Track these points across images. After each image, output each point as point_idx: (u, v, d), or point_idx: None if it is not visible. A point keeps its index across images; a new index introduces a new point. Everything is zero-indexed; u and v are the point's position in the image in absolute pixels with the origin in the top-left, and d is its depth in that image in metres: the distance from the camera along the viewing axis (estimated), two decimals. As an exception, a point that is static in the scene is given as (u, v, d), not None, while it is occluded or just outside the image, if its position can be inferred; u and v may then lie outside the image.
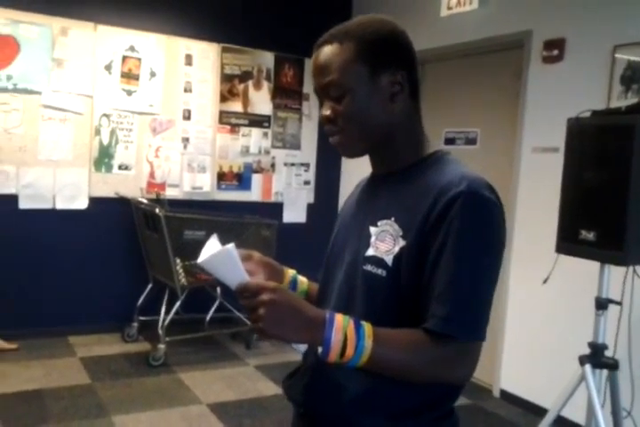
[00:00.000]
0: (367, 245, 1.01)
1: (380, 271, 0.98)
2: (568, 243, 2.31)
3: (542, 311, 3.38)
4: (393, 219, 0.99)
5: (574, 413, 2.80)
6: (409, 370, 0.92)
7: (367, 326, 0.90)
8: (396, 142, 1.05)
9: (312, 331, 0.88)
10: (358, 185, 1.22)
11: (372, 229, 1.01)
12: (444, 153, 1.07)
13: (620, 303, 2.30)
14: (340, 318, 0.89)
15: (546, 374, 3.25)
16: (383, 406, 0.98)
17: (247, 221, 4.18)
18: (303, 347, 0.92)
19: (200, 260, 0.92)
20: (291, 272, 1.20)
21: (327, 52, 1.01)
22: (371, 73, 1.00)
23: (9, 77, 3.81)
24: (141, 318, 4.12)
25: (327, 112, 1.03)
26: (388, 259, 0.97)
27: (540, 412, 2.46)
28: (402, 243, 0.96)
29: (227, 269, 0.91)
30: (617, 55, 3.02)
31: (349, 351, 0.87)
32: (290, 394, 1.12)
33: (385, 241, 0.98)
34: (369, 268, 0.99)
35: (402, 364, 0.91)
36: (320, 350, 0.88)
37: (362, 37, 1.00)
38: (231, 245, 0.91)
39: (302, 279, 1.21)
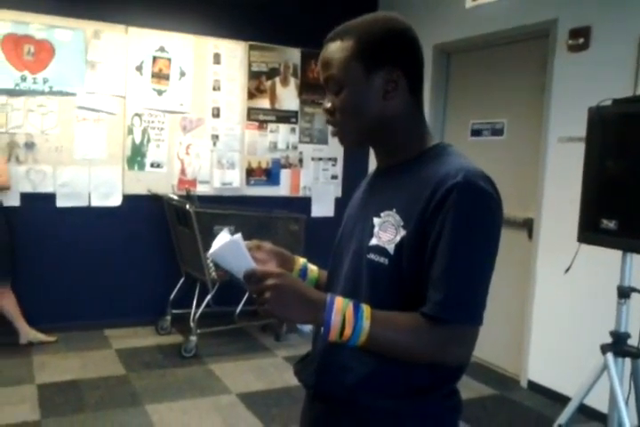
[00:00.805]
0: (371, 236, 1.05)
1: (382, 260, 1.02)
2: (590, 232, 2.30)
3: (568, 301, 3.35)
4: (394, 210, 1.03)
5: (598, 402, 2.77)
6: (405, 351, 0.96)
7: (366, 309, 0.95)
8: (396, 137, 1.09)
9: (314, 312, 0.93)
10: (365, 178, 1.27)
11: (376, 220, 1.05)
12: (445, 145, 1.10)
13: (642, 292, 2.28)
14: (339, 301, 0.94)
15: (572, 364, 3.22)
16: (388, 386, 1.03)
17: (276, 216, 4.24)
18: (307, 327, 0.97)
19: (209, 253, 0.98)
20: (301, 261, 1.25)
21: (331, 48, 1.07)
22: (366, 70, 1.04)
23: (45, 80, 3.96)
24: (174, 311, 4.24)
25: (327, 105, 1.09)
26: (390, 248, 1.01)
27: (567, 402, 2.44)
28: (402, 232, 1.00)
29: (234, 259, 0.96)
30: (644, 42, 2.97)
31: (347, 331, 0.92)
32: (301, 377, 1.17)
33: (387, 231, 1.03)
34: (372, 256, 1.04)
35: (398, 344, 0.95)
36: (322, 330, 0.94)
37: (361, 36, 1.04)
38: (237, 236, 0.96)
39: (312, 267, 1.26)
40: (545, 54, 3.51)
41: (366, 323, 0.93)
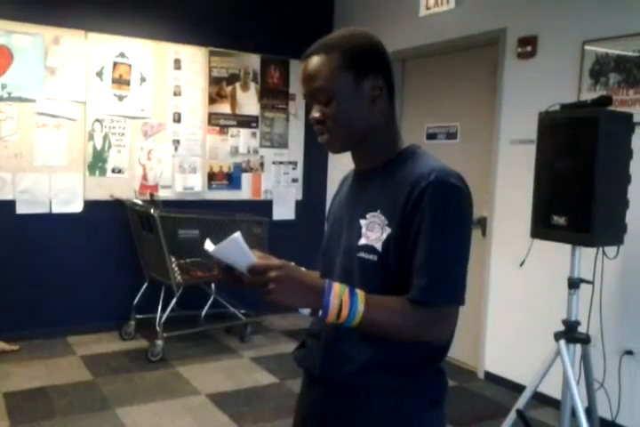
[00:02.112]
0: (359, 236, 1.16)
1: (371, 257, 1.13)
2: (541, 228, 2.47)
3: (521, 294, 3.54)
4: (379, 211, 1.14)
5: (551, 389, 2.95)
6: (395, 330, 1.07)
7: (361, 294, 1.05)
8: (375, 140, 1.20)
9: (314, 297, 1.03)
10: (343, 181, 1.37)
11: (362, 222, 1.16)
12: (415, 147, 1.22)
13: (591, 282, 2.46)
14: (337, 287, 1.05)
15: (527, 354, 3.40)
16: (386, 369, 1.14)
17: (239, 219, 4.31)
18: (306, 311, 1.07)
19: (211, 250, 1.06)
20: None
21: (315, 61, 1.15)
22: (355, 79, 1.14)
23: (3, 86, 3.92)
24: (138, 316, 4.24)
25: (317, 114, 1.17)
26: (378, 246, 1.12)
27: (522, 390, 2.60)
28: (388, 230, 1.11)
29: (236, 255, 1.04)
30: (586, 50, 3.18)
31: (344, 313, 1.02)
32: (304, 364, 1.27)
33: (374, 231, 1.13)
34: (362, 255, 1.15)
35: (389, 325, 1.06)
36: (320, 312, 1.03)
37: (345, 48, 1.14)
38: (237, 234, 1.04)
39: (301, 269, 1.36)
40: (495, 61, 3.70)
41: (361, 306, 1.03)
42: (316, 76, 1.15)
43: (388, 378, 1.13)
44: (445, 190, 1.08)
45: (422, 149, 1.22)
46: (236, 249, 1.03)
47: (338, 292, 1.03)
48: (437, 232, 1.07)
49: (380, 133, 1.19)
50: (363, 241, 1.15)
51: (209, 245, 1.08)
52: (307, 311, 1.07)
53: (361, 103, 1.15)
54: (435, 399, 1.17)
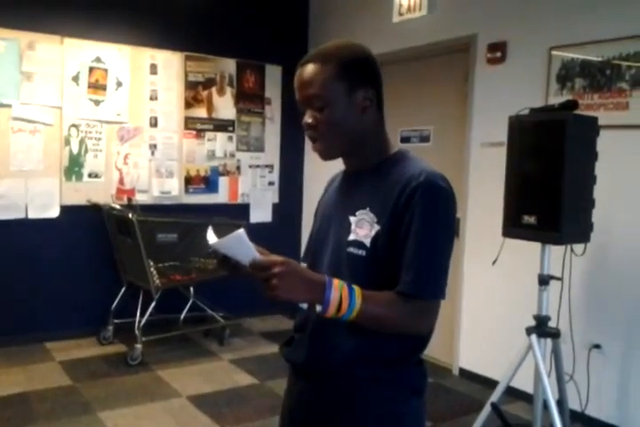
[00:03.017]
0: (349, 232, 1.22)
1: (360, 252, 1.20)
2: (512, 227, 2.57)
3: (494, 292, 3.65)
4: (368, 209, 1.21)
5: (523, 383, 3.05)
6: (388, 322, 1.14)
7: (357, 289, 1.12)
8: (365, 146, 1.27)
9: (315, 292, 1.08)
10: (331, 182, 1.44)
11: (352, 219, 1.23)
12: (404, 151, 1.30)
13: (560, 279, 2.57)
14: (336, 282, 1.11)
15: (501, 351, 3.50)
16: (368, 358, 1.20)
17: (216, 222, 4.33)
18: (304, 305, 1.13)
19: (212, 242, 1.11)
20: None
21: (310, 70, 1.21)
22: (347, 89, 1.21)
23: (-23, 91, 3.91)
24: (116, 320, 4.24)
25: (309, 120, 1.23)
26: (367, 241, 1.19)
27: (496, 385, 2.69)
28: (377, 227, 1.18)
29: (240, 250, 1.09)
30: (553, 56, 3.30)
31: (344, 306, 1.09)
32: (290, 357, 1.32)
33: (363, 227, 1.20)
34: (351, 250, 1.21)
35: (383, 317, 1.13)
36: (320, 307, 1.09)
37: (341, 59, 1.21)
38: (242, 230, 1.09)
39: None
40: (466, 67, 3.81)
41: (358, 300, 1.09)
42: (310, 83, 1.21)
43: (372, 368, 1.19)
44: (434, 192, 1.16)
45: (412, 153, 1.30)
46: (239, 245, 1.08)
47: (338, 286, 1.09)
48: (426, 230, 1.14)
49: (370, 141, 1.27)
50: (352, 237, 1.21)
51: (211, 237, 1.12)
52: (304, 305, 1.13)
53: (352, 112, 1.22)
54: (416, 389, 1.24)
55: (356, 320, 1.11)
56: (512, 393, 3.24)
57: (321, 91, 1.20)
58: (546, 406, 2.50)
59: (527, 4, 3.45)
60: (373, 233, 1.18)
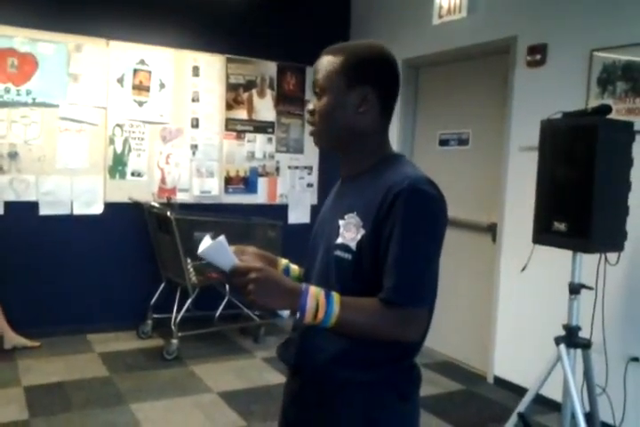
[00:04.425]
0: (337, 235, 1.23)
1: (346, 256, 1.20)
2: (543, 234, 2.52)
3: (529, 299, 3.57)
4: (355, 213, 1.21)
5: (553, 391, 2.98)
6: (367, 330, 1.14)
7: (336, 296, 1.12)
8: (361, 147, 1.28)
9: (291, 299, 1.10)
10: (334, 186, 1.45)
11: (341, 222, 1.24)
12: (398, 156, 1.30)
13: (591, 288, 2.50)
14: (313, 289, 1.12)
15: (536, 359, 3.42)
16: (355, 361, 1.21)
17: (253, 223, 4.41)
18: (286, 313, 1.14)
19: (199, 251, 1.15)
20: (283, 262, 1.43)
21: (324, 59, 1.27)
22: (346, 85, 1.23)
23: (28, 92, 4.08)
24: (155, 315, 4.36)
25: (310, 106, 1.29)
26: (353, 245, 1.19)
27: (528, 395, 2.64)
28: (362, 231, 1.19)
29: (220, 257, 1.13)
30: (594, 58, 3.21)
31: (320, 314, 1.10)
32: (283, 357, 1.34)
33: (350, 231, 1.21)
34: (338, 253, 1.22)
35: (363, 325, 1.13)
36: (298, 314, 1.11)
37: (350, 55, 1.24)
38: (222, 237, 1.13)
39: (294, 267, 1.44)
40: (506, 69, 3.75)
41: (336, 307, 1.10)
42: (318, 72, 1.26)
43: (357, 372, 1.20)
44: (417, 196, 1.15)
45: (404, 158, 1.30)
46: (220, 251, 1.12)
47: (314, 294, 1.11)
48: (407, 236, 1.13)
49: (366, 142, 1.27)
50: (339, 240, 1.22)
51: (202, 244, 1.16)
52: (286, 313, 1.14)
53: (344, 107, 1.24)
54: (404, 395, 1.23)
55: (336, 328, 1.11)
56: (546, 403, 3.18)
57: (323, 81, 1.24)
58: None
59: (568, 4, 3.37)
60: (359, 237, 1.18)
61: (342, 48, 1.26)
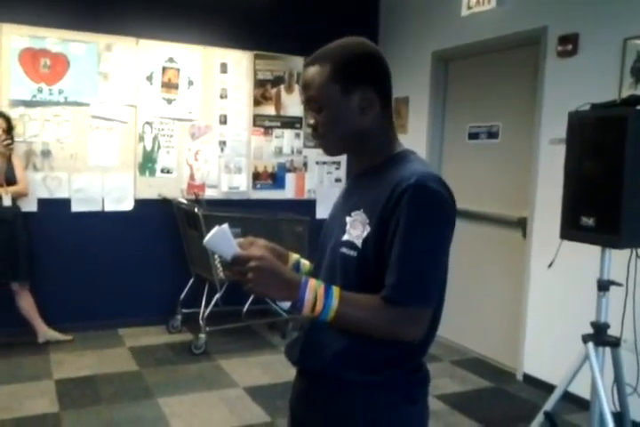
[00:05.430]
0: (343, 232, 1.22)
1: (352, 253, 1.19)
2: (570, 229, 2.44)
3: (559, 296, 3.48)
4: (362, 210, 1.19)
5: (584, 390, 2.89)
6: (366, 327, 1.12)
7: (336, 289, 1.11)
8: (369, 146, 1.25)
9: (290, 290, 1.09)
10: (346, 183, 1.43)
11: (348, 219, 1.22)
12: (407, 152, 1.27)
13: (620, 284, 2.41)
14: (313, 282, 1.11)
15: (566, 356, 3.33)
16: (358, 361, 1.19)
17: (280, 218, 4.41)
18: (286, 305, 1.13)
19: (204, 241, 1.14)
20: (294, 256, 1.41)
21: (310, 71, 1.22)
22: (343, 91, 1.20)
23: (60, 91, 4.17)
24: (184, 310, 4.41)
25: (311, 121, 1.25)
26: (358, 242, 1.17)
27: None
28: (368, 229, 1.17)
29: (223, 245, 1.12)
30: (627, 48, 3.10)
31: (318, 307, 1.08)
32: (289, 355, 1.33)
33: (356, 228, 1.19)
34: (344, 250, 1.20)
35: (362, 321, 1.11)
36: (296, 306, 1.10)
37: (337, 60, 1.20)
38: (225, 225, 1.12)
39: (305, 262, 1.43)
40: (536, 60, 3.66)
41: (335, 301, 1.09)
42: (309, 85, 1.22)
43: (360, 372, 1.17)
44: (424, 194, 1.12)
45: (415, 155, 1.27)
46: (222, 239, 1.11)
47: (313, 286, 1.09)
48: (412, 234, 1.10)
49: (374, 139, 1.25)
50: (346, 237, 1.20)
51: (209, 234, 1.15)
52: (286, 305, 1.13)
53: (349, 114, 1.21)
54: (409, 397, 1.20)
55: (335, 322, 1.10)
56: (575, 401, 3.10)
57: (317, 93, 1.21)
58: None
59: (601, -8, 3.27)
60: (365, 234, 1.16)
61: (325, 55, 1.22)
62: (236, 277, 1.11)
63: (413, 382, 1.22)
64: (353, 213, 1.21)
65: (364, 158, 1.28)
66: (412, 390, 1.21)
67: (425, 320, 1.13)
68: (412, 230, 1.10)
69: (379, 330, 1.12)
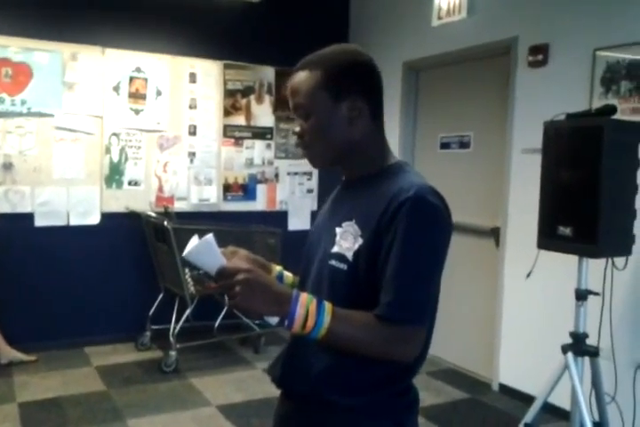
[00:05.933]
0: (333, 244, 1.15)
1: (342, 266, 1.12)
2: (548, 239, 2.43)
3: (534, 305, 3.47)
4: (354, 221, 1.13)
5: (562, 400, 2.88)
6: (359, 346, 1.05)
7: (328, 305, 1.05)
8: (360, 157, 1.20)
9: (280, 305, 1.02)
10: (333, 191, 1.37)
11: (338, 230, 1.16)
12: (402, 164, 1.22)
13: (598, 294, 2.41)
14: (304, 296, 1.04)
15: (543, 366, 3.32)
16: (344, 382, 1.12)
17: (252, 230, 4.33)
18: (274, 320, 1.06)
19: (184, 253, 1.06)
20: (277, 268, 1.35)
21: (299, 77, 1.17)
22: (332, 99, 1.15)
23: (23, 102, 4.03)
24: (153, 326, 4.28)
25: (297, 129, 1.19)
26: (349, 255, 1.11)
27: (535, 404, 2.55)
28: (360, 241, 1.10)
29: (208, 258, 1.05)
30: (597, 58, 3.14)
31: (310, 323, 1.02)
32: (272, 375, 1.26)
33: (347, 240, 1.13)
34: (333, 262, 1.14)
35: (353, 339, 1.05)
36: (286, 322, 1.03)
37: (327, 67, 1.15)
38: (209, 236, 1.04)
39: (288, 274, 1.37)
40: (507, 70, 3.68)
41: (327, 318, 1.02)
42: (297, 91, 1.17)
43: (344, 394, 1.11)
44: (422, 208, 1.07)
45: (410, 166, 1.22)
46: (208, 251, 1.04)
47: (305, 301, 1.03)
48: (409, 249, 1.05)
49: (363, 150, 1.19)
50: (335, 249, 1.14)
51: (189, 245, 1.07)
52: (274, 320, 1.06)
53: (337, 122, 1.16)
54: (399, 422, 1.14)
55: (326, 340, 1.04)
56: (554, 412, 3.08)
57: (305, 100, 1.15)
58: (583, 428, 2.35)
59: (569, 4, 3.30)
60: (356, 247, 1.10)
61: (317, 60, 1.17)
62: (221, 292, 1.04)
63: (403, 404, 1.16)
64: (344, 224, 1.15)
65: (354, 169, 1.23)
66: (402, 414, 1.15)
67: (420, 339, 1.07)
68: (410, 246, 1.05)
69: (371, 349, 1.06)
